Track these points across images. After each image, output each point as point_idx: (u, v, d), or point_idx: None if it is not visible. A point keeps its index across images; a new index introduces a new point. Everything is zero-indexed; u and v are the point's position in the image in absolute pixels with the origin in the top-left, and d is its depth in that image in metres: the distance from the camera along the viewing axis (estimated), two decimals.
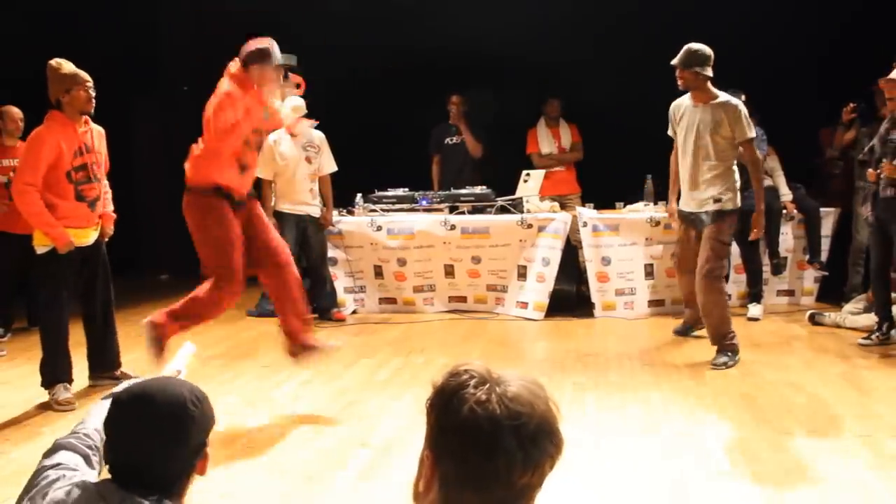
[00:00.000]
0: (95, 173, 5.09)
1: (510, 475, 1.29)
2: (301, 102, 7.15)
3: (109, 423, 1.81)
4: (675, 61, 5.47)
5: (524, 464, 1.29)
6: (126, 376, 5.06)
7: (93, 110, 5.05)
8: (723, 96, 5.56)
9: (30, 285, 6.44)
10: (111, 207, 5.39)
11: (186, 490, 1.84)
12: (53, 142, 4.83)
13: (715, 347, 5.65)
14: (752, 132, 5.52)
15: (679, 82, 5.52)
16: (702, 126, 5.54)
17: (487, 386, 1.33)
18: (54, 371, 5.01)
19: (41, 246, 4.93)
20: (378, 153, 8.84)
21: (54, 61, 4.95)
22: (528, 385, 1.36)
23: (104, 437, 1.86)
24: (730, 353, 5.60)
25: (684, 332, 6.45)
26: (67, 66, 4.94)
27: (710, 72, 5.48)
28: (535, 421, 1.31)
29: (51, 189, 4.86)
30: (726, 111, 5.48)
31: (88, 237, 5.12)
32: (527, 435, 1.30)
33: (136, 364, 5.32)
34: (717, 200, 5.55)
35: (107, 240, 5.33)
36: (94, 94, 5.01)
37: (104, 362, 5.39)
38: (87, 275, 5.22)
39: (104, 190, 5.29)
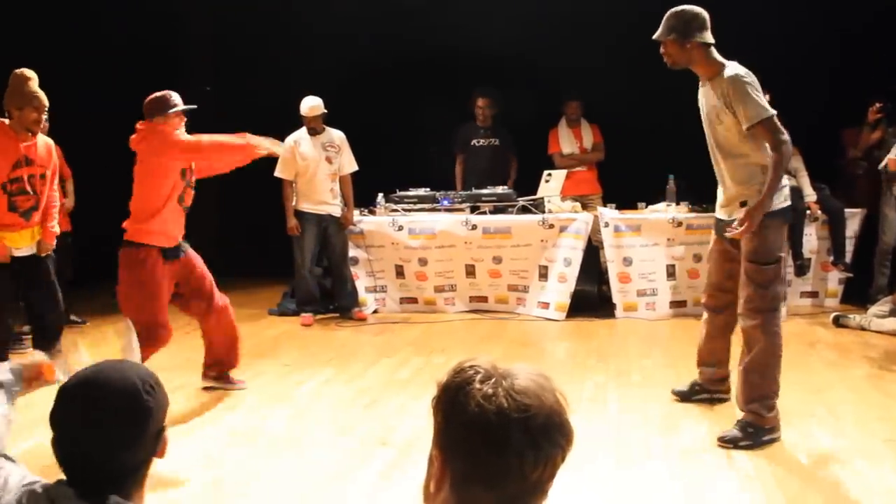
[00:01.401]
0: (34, 186, 5.11)
1: (522, 470, 1.27)
2: (318, 102, 7.22)
3: (57, 416, 1.67)
4: (656, 34, 4.22)
5: (536, 457, 1.27)
6: None
7: (39, 131, 5.10)
8: (729, 68, 4.12)
9: None
10: (54, 222, 5.36)
11: (146, 478, 1.75)
12: None
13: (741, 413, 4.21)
14: (763, 109, 4.00)
15: (665, 60, 4.23)
16: (711, 112, 4.24)
17: (494, 380, 1.31)
18: None
19: None
20: (399, 153, 8.85)
21: (22, 72, 5.00)
22: (535, 377, 1.33)
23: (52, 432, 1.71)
24: (753, 430, 4.08)
25: (688, 395, 4.85)
26: (30, 85, 4.98)
27: (702, 37, 4.13)
28: (545, 413, 1.29)
29: None
30: (726, 87, 4.08)
31: (21, 242, 5.13)
32: (537, 428, 1.27)
33: None
34: (743, 203, 4.17)
35: (44, 255, 5.28)
36: (44, 118, 5.06)
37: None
38: (26, 289, 5.25)
39: (52, 203, 5.32)
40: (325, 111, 7.25)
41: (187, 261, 4.96)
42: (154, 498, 3.62)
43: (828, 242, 7.51)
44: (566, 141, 8.44)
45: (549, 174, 7.76)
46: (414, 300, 7.80)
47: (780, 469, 3.78)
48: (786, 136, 4.03)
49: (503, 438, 1.26)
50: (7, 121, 4.99)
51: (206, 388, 5.22)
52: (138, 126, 4.82)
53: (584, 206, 7.93)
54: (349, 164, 7.50)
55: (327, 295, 7.80)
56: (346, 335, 6.98)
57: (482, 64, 8.65)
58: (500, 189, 7.91)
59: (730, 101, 4.06)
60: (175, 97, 4.84)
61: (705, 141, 4.33)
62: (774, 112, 4.03)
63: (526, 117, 8.63)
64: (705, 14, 4.17)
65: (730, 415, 4.43)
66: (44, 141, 5.19)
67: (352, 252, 7.68)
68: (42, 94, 4.99)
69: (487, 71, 8.69)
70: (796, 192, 7.17)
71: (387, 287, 7.82)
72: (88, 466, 1.65)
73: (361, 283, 7.74)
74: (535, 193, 7.71)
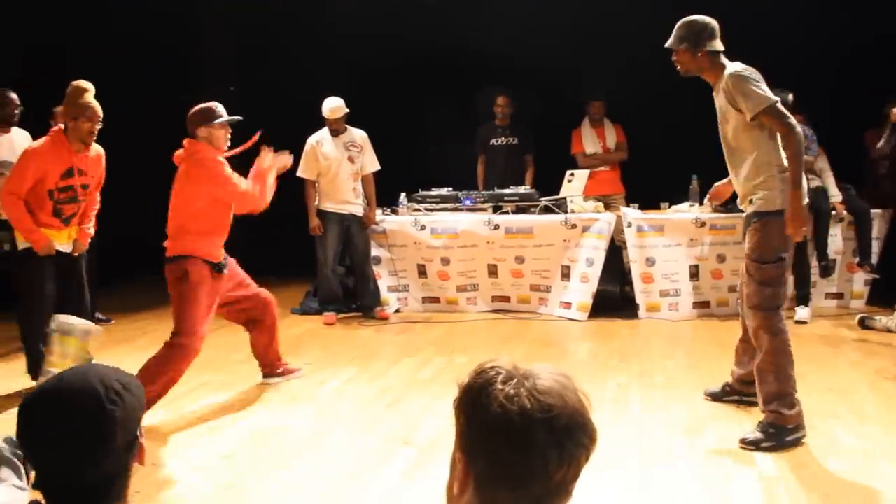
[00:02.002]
0: (80, 194, 5.28)
1: (546, 470, 1.26)
2: (340, 102, 7.25)
3: (23, 433, 1.59)
4: (668, 43, 4.31)
5: (560, 457, 1.27)
6: None
7: (93, 142, 5.22)
8: (729, 67, 4.18)
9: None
10: (91, 224, 5.50)
11: (128, 490, 1.66)
12: (42, 162, 5.06)
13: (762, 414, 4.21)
14: (765, 97, 4.00)
15: (677, 67, 4.34)
16: (720, 113, 4.30)
17: (515, 381, 1.31)
18: (41, 362, 5.06)
19: (22, 242, 5.19)
20: (422, 152, 8.87)
21: (78, 83, 5.10)
22: (557, 377, 1.33)
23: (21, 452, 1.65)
24: (775, 430, 4.06)
25: (720, 395, 4.83)
26: (85, 97, 5.08)
27: (712, 46, 4.20)
28: (568, 413, 1.29)
29: (31, 198, 5.10)
30: (726, 84, 4.12)
31: (58, 240, 5.27)
32: (560, 427, 1.27)
33: None
34: (752, 201, 4.20)
35: (78, 255, 5.42)
36: (98, 127, 5.16)
37: None
38: (60, 287, 5.36)
39: (92, 206, 5.48)
40: (347, 111, 7.28)
41: (232, 273, 5.05)
42: (175, 496, 3.65)
43: (853, 243, 7.45)
44: (589, 141, 8.42)
45: (572, 174, 7.75)
46: (436, 300, 7.81)
47: (804, 472, 3.75)
48: (793, 120, 4.04)
49: (527, 439, 1.26)
50: (63, 128, 5.12)
51: (226, 387, 5.26)
52: (185, 143, 4.85)
53: (607, 206, 7.91)
54: (371, 164, 7.53)
55: (350, 294, 7.83)
56: (369, 334, 7.00)
57: (505, 64, 8.65)
58: (522, 189, 7.90)
59: (732, 98, 4.10)
60: (220, 108, 4.86)
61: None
62: (777, 99, 4.03)
63: (549, 117, 8.62)
64: (715, 23, 4.25)
65: (756, 416, 4.40)
66: (95, 150, 5.33)
67: (374, 251, 7.71)
68: (97, 105, 5.12)
69: (510, 71, 8.69)
70: (821, 193, 7.13)
71: (409, 286, 7.84)
72: (59, 483, 1.57)
73: (384, 282, 7.76)
74: (557, 193, 7.70)
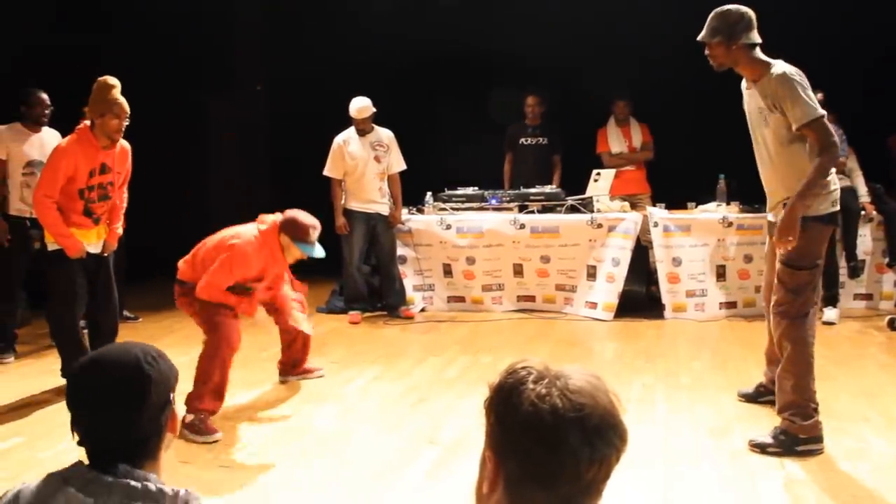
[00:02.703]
0: (108, 192, 5.29)
1: (577, 470, 1.26)
2: (367, 102, 7.27)
3: (69, 400, 1.76)
4: (700, 35, 4.10)
5: (591, 457, 1.26)
6: None
7: (120, 138, 5.22)
8: (777, 66, 3.95)
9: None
10: (119, 224, 5.51)
11: (162, 451, 1.81)
12: (71, 160, 5.07)
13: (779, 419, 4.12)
14: (813, 109, 3.82)
15: (711, 62, 4.10)
16: (755, 114, 4.13)
17: (547, 380, 1.30)
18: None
19: (52, 243, 5.17)
20: (447, 152, 8.87)
21: (105, 80, 5.10)
22: (589, 378, 1.33)
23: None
24: (785, 437, 3.97)
25: (754, 396, 4.79)
26: (113, 92, 5.07)
27: (748, 38, 3.98)
28: (599, 413, 1.28)
29: (62, 199, 5.11)
30: (774, 86, 3.90)
31: (87, 240, 5.29)
32: (591, 427, 1.27)
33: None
34: (786, 204, 3.97)
35: (107, 254, 5.45)
36: (126, 123, 5.15)
37: None
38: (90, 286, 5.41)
39: (120, 204, 5.50)
40: (374, 111, 7.30)
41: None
42: (200, 493, 3.67)
43: (883, 243, 7.37)
44: (615, 140, 8.39)
45: (598, 173, 7.72)
46: (461, 299, 7.82)
47: (832, 474, 3.72)
48: (835, 139, 3.86)
49: (558, 438, 1.26)
50: (89, 125, 5.13)
51: (264, 384, 5.29)
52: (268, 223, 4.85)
53: (633, 206, 7.87)
54: (397, 164, 7.55)
55: (375, 293, 7.85)
56: (394, 333, 7.02)
57: (531, 64, 8.65)
58: (548, 188, 7.89)
59: (778, 101, 3.89)
60: (313, 235, 4.81)
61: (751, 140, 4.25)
62: (824, 113, 3.86)
63: (576, 116, 8.60)
64: (751, 13, 4.02)
65: (778, 420, 4.38)
66: (121, 145, 5.32)
67: (400, 251, 7.73)
68: (124, 102, 5.09)
69: (538, 71, 8.69)
70: (850, 193, 7.07)
71: (434, 286, 7.85)
72: (98, 438, 1.73)
73: (409, 281, 7.78)
74: (583, 192, 7.68)
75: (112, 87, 5.10)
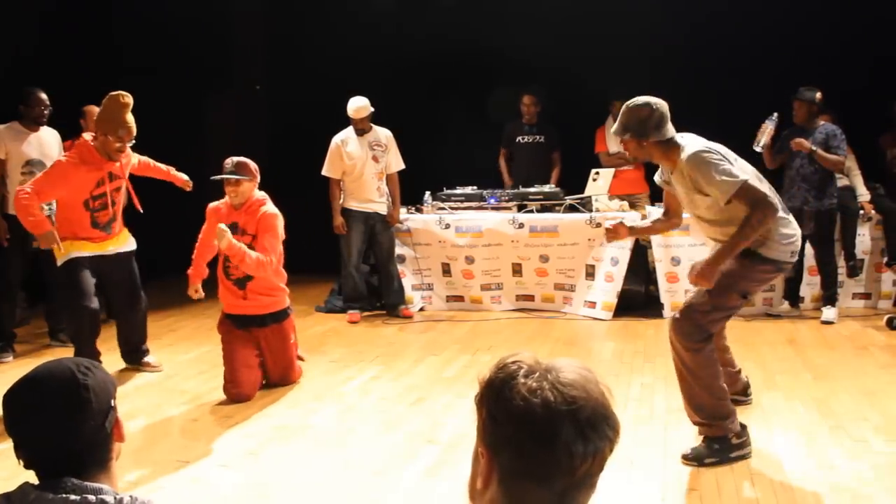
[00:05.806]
0: (114, 199, 5.33)
1: (571, 463, 1.25)
2: (365, 102, 7.27)
3: (8, 424, 1.72)
4: (613, 128, 4.03)
5: (584, 450, 1.25)
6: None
7: (120, 158, 5.26)
8: (686, 149, 3.83)
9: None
10: (171, 168, 5.76)
11: (112, 460, 1.78)
12: (71, 181, 5.12)
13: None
14: (732, 181, 3.69)
15: (626, 154, 3.90)
16: (684, 193, 4.01)
17: (538, 374, 1.30)
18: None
19: (61, 256, 5.23)
20: (446, 151, 8.86)
21: (119, 96, 5.09)
22: (580, 370, 1.32)
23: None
24: (718, 444, 3.90)
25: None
26: (125, 114, 5.08)
27: (659, 135, 3.87)
28: (591, 405, 1.28)
29: (68, 213, 5.20)
30: (688, 171, 3.83)
31: (105, 248, 5.36)
32: (584, 419, 1.26)
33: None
34: (746, 252, 3.86)
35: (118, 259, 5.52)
36: (128, 146, 5.20)
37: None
38: (109, 288, 5.51)
39: (160, 165, 5.69)
40: (372, 110, 7.30)
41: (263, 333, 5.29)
42: (200, 493, 3.68)
43: (882, 243, 7.37)
44: (613, 139, 8.37)
45: (597, 173, 7.72)
46: (460, 298, 7.82)
47: (832, 473, 3.72)
48: (762, 194, 3.72)
49: (551, 431, 1.25)
50: (89, 140, 5.13)
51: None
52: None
53: (632, 205, 7.87)
54: (396, 163, 7.55)
55: (374, 292, 7.86)
56: (393, 332, 7.02)
57: (530, 64, 8.63)
58: (547, 187, 7.89)
59: (696, 183, 3.81)
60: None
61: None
62: (746, 177, 3.72)
63: (574, 115, 8.60)
64: (663, 107, 3.92)
65: (783, 420, 4.37)
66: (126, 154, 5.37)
67: (399, 250, 7.72)
68: (133, 126, 5.10)
69: (537, 70, 8.67)
70: (849, 192, 7.08)
71: (433, 285, 7.85)
72: (44, 455, 1.71)
73: (408, 280, 7.78)
74: (582, 192, 7.68)
75: (125, 106, 5.06)
